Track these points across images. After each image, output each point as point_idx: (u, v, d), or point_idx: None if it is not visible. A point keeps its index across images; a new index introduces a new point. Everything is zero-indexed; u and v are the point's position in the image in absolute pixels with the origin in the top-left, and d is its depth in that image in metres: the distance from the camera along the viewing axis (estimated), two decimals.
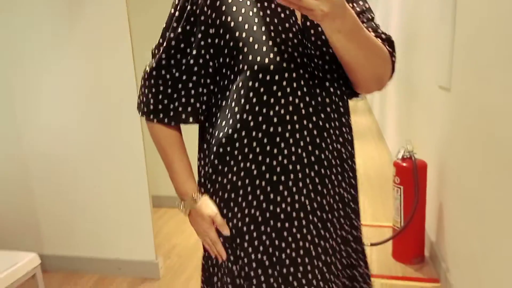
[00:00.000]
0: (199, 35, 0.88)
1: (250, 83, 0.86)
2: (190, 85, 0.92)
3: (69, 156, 2.33)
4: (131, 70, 2.15)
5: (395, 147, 4.19)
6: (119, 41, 2.12)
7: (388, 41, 0.92)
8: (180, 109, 0.94)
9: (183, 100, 0.93)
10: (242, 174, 0.90)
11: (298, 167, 0.89)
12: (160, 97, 0.93)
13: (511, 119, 1.36)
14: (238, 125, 0.88)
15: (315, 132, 0.89)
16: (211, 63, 0.90)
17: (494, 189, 1.51)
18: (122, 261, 2.39)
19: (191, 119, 0.95)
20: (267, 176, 0.89)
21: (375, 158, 4.80)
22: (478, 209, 1.68)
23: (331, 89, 0.91)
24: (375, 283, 2.26)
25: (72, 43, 2.18)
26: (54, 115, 2.29)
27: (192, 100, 0.94)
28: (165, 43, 0.91)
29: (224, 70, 0.90)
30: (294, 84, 0.87)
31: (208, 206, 0.94)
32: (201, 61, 0.90)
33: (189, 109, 0.94)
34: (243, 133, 0.88)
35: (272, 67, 0.85)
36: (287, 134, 0.88)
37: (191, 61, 0.91)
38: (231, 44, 0.86)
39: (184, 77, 0.92)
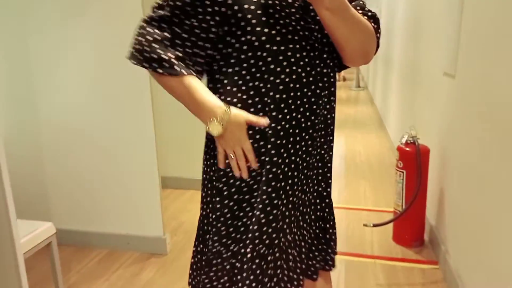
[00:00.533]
0: (207, 2, 0.93)
1: (259, 53, 0.94)
2: (188, 43, 0.95)
3: (82, 134, 2.38)
4: None
5: (397, 135, 4.24)
6: (134, 16, 2.16)
7: (373, 18, 1.02)
8: (172, 61, 0.94)
9: (176, 54, 0.95)
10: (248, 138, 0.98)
11: (297, 130, 0.99)
12: (155, 46, 0.93)
13: None
14: (252, 92, 0.96)
15: (312, 99, 0.99)
16: (213, 29, 0.95)
17: (498, 175, 1.55)
18: (131, 236, 2.46)
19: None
20: (272, 139, 0.97)
21: (376, 145, 4.86)
22: (481, 194, 1.73)
23: (328, 61, 1.02)
24: (376, 264, 2.33)
25: (86, 19, 2.22)
26: (67, 94, 2.34)
27: (183, 56, 0.95)
28: (171, 2, 0.94)
29: (228, 38, 0.96)
30: (298, 55, 0.96)
31: (240, 111, 0.96)
32: (204, 25, 0.95)
33: (180, 63, 0.96)
34: (250, 101, 0.97)
35: (278, 38, 0.93)
36: (290, 101, 0.97)
37: (195, 23, 0.94)
38: (239, 15, 0.92)
39: (184, 35, 0.95)
